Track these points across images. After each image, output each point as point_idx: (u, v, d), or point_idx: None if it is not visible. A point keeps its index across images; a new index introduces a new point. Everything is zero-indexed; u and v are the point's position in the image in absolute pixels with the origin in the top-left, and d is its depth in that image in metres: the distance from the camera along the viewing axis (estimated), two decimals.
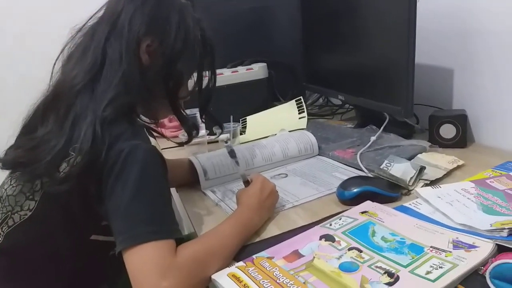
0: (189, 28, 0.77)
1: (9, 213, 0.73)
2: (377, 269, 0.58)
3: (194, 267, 0.62)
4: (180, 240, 0.65)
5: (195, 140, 1.25)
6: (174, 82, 0.78)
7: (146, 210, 0.64)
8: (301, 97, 1.35)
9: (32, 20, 1.73)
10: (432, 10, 1.04)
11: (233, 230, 0.70)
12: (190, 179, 1.00)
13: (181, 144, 1.31)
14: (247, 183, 0.84)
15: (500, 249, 0.59)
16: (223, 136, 1.25)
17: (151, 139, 0.77)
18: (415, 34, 0.93)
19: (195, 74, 0.84)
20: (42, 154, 0.66)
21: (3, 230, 0.73)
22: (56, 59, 0.78)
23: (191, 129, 0.89)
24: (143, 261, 0.61)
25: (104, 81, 0.70)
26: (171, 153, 1.04)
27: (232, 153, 0.86)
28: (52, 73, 0.78)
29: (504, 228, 0.60)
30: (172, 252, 0.62)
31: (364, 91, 1.13)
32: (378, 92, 1.08)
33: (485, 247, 0.59)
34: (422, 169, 0.84)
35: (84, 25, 0.79)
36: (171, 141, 1.13)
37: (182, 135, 1.24)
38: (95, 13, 0.79)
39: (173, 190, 1.05)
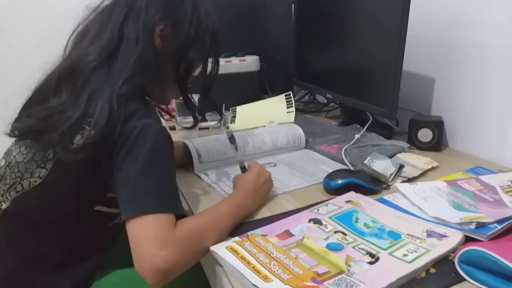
0: (200, 17, 0.82)
1: (18, 179, 0.76)
2: (360, 250, 0.65)
3: (191, 240, 0.68)
4: (183, 216, 0.70)
5: (185, 125, 1.31)
6: (184, 67, 0.83)
7: (153, 185, 0.69)
8: (290, 92, 1.41)
9: None
10: (419, 20, 1.12)
11: (229, 210, 0.76)
12: (184, 162, 1.04)
13: (172, 128, 1.36)
14: (244, 169, 0.90)
15: (468, 240, 0.67)
16: (213, 123, 1.31)
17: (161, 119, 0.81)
18: (405, 41, 1.00)
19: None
20: (57, 124, 0.70)
21: (10, 195, 0.76)
22: (71, 36, 0.81)
23: (197, 113, 0.94)
24: (145, 230, 0.66)
25: (121, 59, 0.74)
26: None
27: (232, 139, 0.91)
28: (66, 47, 0.81)
29: (472, 222, 0.68)
30: (172, 225, 0.67)
31: (352, 91, 1.21)
32: (365, 93, 1.16)
33: (455, 237, 0.67)
34: (401, 167, 0.92)
35: (99, 4, 0.82)
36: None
37: (175, 119, 1.29)
38: None
39: None
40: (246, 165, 0.90)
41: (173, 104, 1.53)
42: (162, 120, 0.90)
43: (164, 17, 0.79)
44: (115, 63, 0.74)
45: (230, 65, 1.43)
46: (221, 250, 0.66)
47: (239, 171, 0.92)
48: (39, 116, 0.73)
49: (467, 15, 1.06)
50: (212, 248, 0.67)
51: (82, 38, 0.80)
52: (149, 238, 0.65)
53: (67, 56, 0.80)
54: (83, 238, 0.79)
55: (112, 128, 0.69)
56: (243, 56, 1.48)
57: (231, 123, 1.33)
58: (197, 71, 0.89)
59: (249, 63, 1.45)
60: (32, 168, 0.75)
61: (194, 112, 0.95)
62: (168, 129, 0.80)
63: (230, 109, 1.40)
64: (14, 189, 0.76)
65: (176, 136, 1.25)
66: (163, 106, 0.95)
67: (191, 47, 0.81)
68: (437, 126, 1.09)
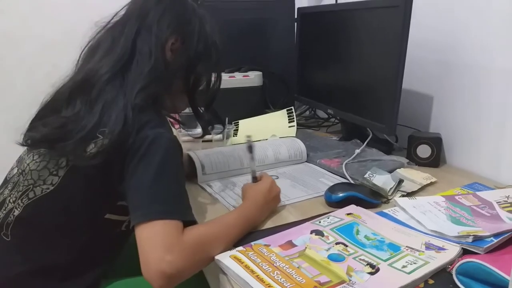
0: (207, 33, 0.86)
1: (31, 186, 0.78)
2: (361, 261, 0.67)
3: (197, 247, 0.70)
4: (193, 223, 0.73)
5: (189, 138, 1.34)
6: (193, 79, 0.86)
7: (164, 192, 0.71)
8: (292, 107, 1.44)
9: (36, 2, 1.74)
10: (417, 42, 1.15)
11: (237, 220, 0.78)
12: (188, 173, 1.06)
13: None
14: (255, 179, 0.91)
15: (465, 252, 0.69)
16: (217, 136, 1.33)
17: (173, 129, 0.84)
18: (405, 60, 1.03)
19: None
20: (72, 133, 0.73)
21: (23, 201, 0.78)
22: (83, 50, 0.84)
23: (207, 125, 0.97)
24: (153, 235, 0.68)
25: (135, 71, 0.78)
26: None
27: (250, 148, 0.93)
28: (78, 60, 0.84)
29: (470, 235, 0.70)
30: (180, 231, 0.69)
31: (352, 107, 1.24)
32: (365, 109, 1.19)
33: (453, 250, 0.69)
34: (400, 181, 0.95)
35: (109, 20, 0.86)
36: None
37: (179, 131, 1.32)
38: (119, 11, 0.87)
39: None
40: (258, 175, 0.92)
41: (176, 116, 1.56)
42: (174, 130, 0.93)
43: (175, 32, 0.83)
44: (129, 75, 0.78)
45: (234, 80, 1.46)
46: (225, 259, 0.68)
47: (241, 183, 0.94)
48: (54, 125, 0.75)
49: (464, 37, 1.09)
50: (216, 257, 0.69)
51: (94, 52, 0.83)
52: (157, 243, 0.67)
53: (79, 69, 0.83)
54: (91, 246, 0.81)
55: (125, 136, 0.72)
56: (247, 71, 1.51)
57: (233, 136, 1.35)
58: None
59: (252, 78, 1.48)
60: (44, 176, 0.77)
61: (204, 122, 0.97)
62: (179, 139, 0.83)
63: (233, 122, 1.43)
64: (27, 196, 0.78)
65: None
66: (174, 115, 0.97)
67: (199, 61, 0.85)
68: (436, 142, 1.12)
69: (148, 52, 0.79)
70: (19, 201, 0.78)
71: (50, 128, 0.76)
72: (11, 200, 0.80)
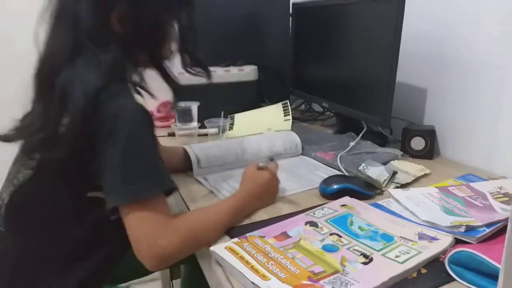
0: None
1: (15, 174, 0.80)
2: (355, 251, 0.68)
3: (189, 233, 0.72)
4: (173, 190, 0.74)
5: (185, 132, 1.34)
6: (154, 40, 0.82)
7: (136, 170, 0.70)
8: (287, 100, 1.45)
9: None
10: (412, 34, 1.16)
11: (229, 209, 0.79)
12: (183, 167, 1.07)
13: (172, 134, 1.39)
14: (267, 163, 0.90)
15: (457, 242, 0.70)
16: (212, 130, 1.33)
17: (139, 98, 0.77)
18: (399, 53, 1.04)
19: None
20: (35, 125, 0.73)
21: (9, 189, 0.81)
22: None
23: (178, 89, 0.93)
24: (139, 220, 0.69)
25: (86, 51, 0.74)
26: (162, 142, 1.11)
27: (272, 160, 0.91)
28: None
29: (462, 225, 0.71)
30: (164, 207, 0.71)
31: (347, 100, 1.24)
32: (360, 102, 1.19)
33: (445, 240, 0.70)
34: (394, 173, 0.95)
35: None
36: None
37: (174, 125, 1.32)
38: None
39: None
40: (263, 165, 0.89)
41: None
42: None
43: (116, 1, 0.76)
44: (81, 56, 0.74)
45: (229, 74, 1.46)
46: (220, 250, 0.69)
47: (237, 176, 0.94)
48: (20, 122, 0.78)
49: (457, 31, 1.10)
50: (212, 248, 0.70)
51: (46, 37, 0.79)
52: (146, 228, 0.69)
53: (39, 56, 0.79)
54: (86, 233, 0.80)
55: (87, 118, 0.69)
56: (242, 65, 1.51)
57: (229, 130, 1.36)
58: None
59: (247, 72, 1.48)
60: (26, 163, 0.79)
61: (175, 87, 0.92)
62: (147, 107, 0.76)
63: (229, 116, 1.43)
64: (12, 183, 0.80)
65: (176, 142, 1.29)
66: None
67: (151, 19, 0.79)
68: (429, 135, 1.12)
69: (94, 29, 0.74)
70: (6, 189, 0.81)
71: (17, 125, 0.77)
72: (3, 192, 0.82)
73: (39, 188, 0.79)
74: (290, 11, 1.59)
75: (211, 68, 1.44)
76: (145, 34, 0.80)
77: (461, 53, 1.10)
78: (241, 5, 1.60)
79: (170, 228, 0.70)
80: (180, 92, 0.94)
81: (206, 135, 1.32)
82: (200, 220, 0.76)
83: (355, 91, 1.22)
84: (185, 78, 1.43)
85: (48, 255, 0.78)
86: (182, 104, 1.28)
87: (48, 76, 0.74)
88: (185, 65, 0.88)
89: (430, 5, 1.18)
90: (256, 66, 1.52)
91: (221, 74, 1.46)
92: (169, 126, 1.53)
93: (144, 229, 0.69)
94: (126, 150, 0.69)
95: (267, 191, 0.87)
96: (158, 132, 1.26)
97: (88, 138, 0.70)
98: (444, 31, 1.14)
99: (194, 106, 1.26)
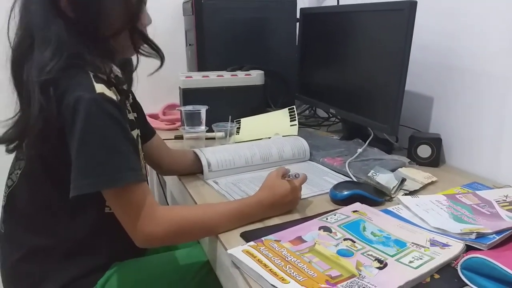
0: None
1: (9, 175, 0.85)
2: (369, 256, 0.70)
3: (173, 227, 0.77)
4: (137, 182, 0.75)
5: (193, 135, 1.35)
6: (115, 18, 0.79)
7: (86, 162, 0.71)
8: (294, 106, 1.47)
9: None
10: (419, 44, 1.18)
11: (232, 213, 0.81)
12: (194, 170, 1.09)
13: (179, 137, 1.40)
14: (287, 176, 0.90)
15: (468, 249, 0.72)
16: (220, 134, 1.35)
17: (100, 85, 0.74)
18: (408, 62, 1.06)
19: None
20: (15, 127, 0.77)
21: (5, 192, 0.85)
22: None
23: (163, 56, 0.89)
24: (121, 207, 0.75)
25: (38, 47, 0.74)
26: (169, 145, 1.13)
27: (295, 176, 0.90)
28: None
29: (473, 232, 0.73)
30: (143, 196, 0.74)
31: (355, 107, 1.26)
32: (367, 109, 1.21)
33: (457, 246, 0.72)
34: (403, 180, 0.97)
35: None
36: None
37: (182, 129, 1.33)
38: None
39: (175, 179, 1.14)
40: (292, 175, 0.89)
41: (178, 114, 1.58)
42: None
43: None
44: (34, 53, 0.74)
45: (236, 78, 1.48)
46: (238, 253, 0.70)
47: (247, 180, 0.96)
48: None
49: (463, 41, 1.12)
50: (229, 251, 0.71)
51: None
52: (127, 213, 0.74)
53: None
54: (84, 225, 0.83)
55: (48, 115, 0.71)
56: (248, 70, 1.53)
57: (236, 134, 1.37)
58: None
59: (254, 77, 1.50)
60: (16, 163, 0.84)
61: (161, 55, 0.89)
62: (116, 95, 0.77)
63: (235, 120, 1.45)
64: (7, 185, 0.84)
65: (183, 145, 1.30)
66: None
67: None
68: (436, 143, 1.15)
69: (43, 22, 0.75)
70: (4, 191, 0.85)
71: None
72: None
73: (30, 186, 0.82)
74: (297, 16, 1.61)
75: (219, 73, 1.48)
76: (94, 14, 0.77)
77: (467, 63, 1.12)
78: (248, 11, 1.62)
79: (154, 217, 0.74)
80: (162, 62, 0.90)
81: (213, 138, 1.33)
82: (191, 218, 0.79)
83: (363, 98, 1.24)
84: (192, 81, 1.46)
85: (47, 251, 0.82)
86: (191, 107, 1.29)
87: (15, 70, 0.77)
88: (135, 45, 0.84)
89: (436, 16, 1.20)
90: (263, 71, 1.54)
91: (228, 78, 1.48)
92: (176, 129, 1.55)
93: (126, 216, 0.74)
94: (80, 144, 0.70)
95: (284, 204, 0.86)
96: (164, 135, 1.29)
97: (59, 131, 0.72)
98: (450, 42, 1.16)
99: (203, 110, 1.28)
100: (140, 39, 0.84)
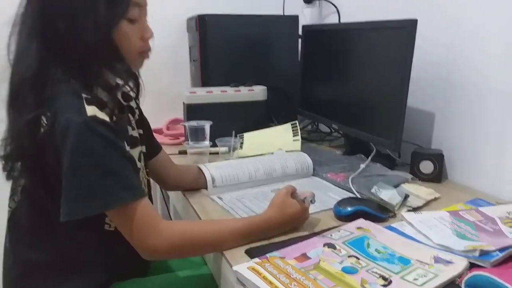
0: None
1: (13, 192, 0.86)
2: (374, 274, 0.70)
3: (179, 242, 0.78)
4: (127, 203, 0.75)
5: (197, 150, 1.36)
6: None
7: (78, 185, 0.72)
8: (297, 121, 1.48)
9: None
10: (421, 59, 1.19)
11: (238, 231, 0.81)
12: (198, 185, 1.09)
13: (183, 153, 1.41)
14: (296, 196, 0.89)
15: (472, 266, 0.72)
16: (223, 149, 1.36)
17: (91, 107, 0.74)
18: (410, 78, 1.07)
19: None
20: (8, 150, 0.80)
21: (10, 206, 0.87)
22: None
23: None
24: (124, 224, 0.76)
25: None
26: (173, 159, 1.14)
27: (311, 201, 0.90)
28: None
29: (476, 250, 0.74)
30: (146, 212, 0.76)
31: (357, 123, 1.28)
32: (370, 125, 1.23)
33: (460, 263, 0.72)
34: (406, 196, 0.98)
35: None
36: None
37: (186, 144, 1.34)
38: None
39: (179, 194, 1.15)
40: (301, 196, 0.89)
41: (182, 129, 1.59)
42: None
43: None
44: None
45: (239, 94, 1.50)
46: (244, 270, 0.70)
47: (251, 195, 0.96)
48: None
49: (465, 56, 1.14)
50: (235, 268, 0.71)
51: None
52: (130, 229, 0.75)
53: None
54: (83, 242, 0.84)
55: (33, 135, 0.74)
56: (251, 86, 1.55)
57: (239, 149, 1.38)
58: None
59: (257, 92, 1.52)
60: (19, 180, 0.85)
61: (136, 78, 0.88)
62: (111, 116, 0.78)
63: (238, 135, 1.46)
64: (13, 200, 0.85)
65: (187, 160, 1.31)
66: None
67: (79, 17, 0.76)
68: (438, 158, 1.15)
69: (25, 51, 0.77)
70: (8, 207, 0.87)
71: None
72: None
73: (29, 205, 0.84)
74: (300, 33, 1.64)
75: (223, 88, 1.50)
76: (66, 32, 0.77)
77: (469, 79, 1.13)
78: (251, 27, 1.64)
79: (158, 231, 0.75)
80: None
81: (216, 153, 1.34)
82: (197, 233, 0.80)
83: (365, 114, 1.25)
84: (196, 97, 1.47)
85: (42, 265, 0.83)
86: (195, 123, 1.30)
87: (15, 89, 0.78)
88: (116, 75, 0.84)
89: (438, 31, 1.22)
90: (265, 87, 1.55)
91: (231, 94, 1.50)
92: (179, 144, 1.56)
93: (129, 231, 0.76)
94: (69, 166, 0.71)
95: (292, 223, 0.87)
96: (168, 150, 1.30)
97: (55, 150, 0.73)
98: (453, 57, 1.18)
99: (207, 126, 1.29)
100: (112, 57, 0.81)
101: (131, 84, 0.86)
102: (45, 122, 0.74)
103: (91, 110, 0.73)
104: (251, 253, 0.78)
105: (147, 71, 0.91)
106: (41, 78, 0.75)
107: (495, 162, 1.08)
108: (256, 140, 1.46)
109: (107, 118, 0.75)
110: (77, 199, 0.72)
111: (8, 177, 0.83)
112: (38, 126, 0.74)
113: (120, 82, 0.85)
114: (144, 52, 0.87)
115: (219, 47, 1.59)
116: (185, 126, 1.35)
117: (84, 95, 0.75)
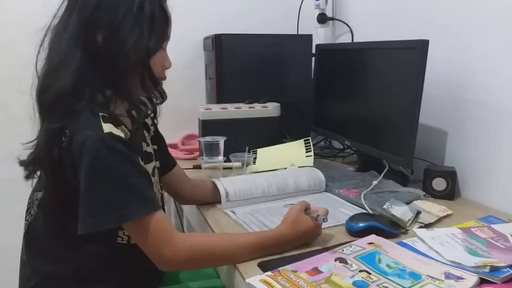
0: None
1: (31, 204, 0.89)
2: None
3: (194, 254, 0.81)
4: (145, 216, 0.77)
5: (211, 165, 1.39)
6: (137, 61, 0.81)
7: (94, 200, 0.74)
8: (309, 137, 1.50)
9: None
10: (433, 78, 1.21)
11: (251, 246, 0.83)
12: (212, 199, 1.12)
13: (197, 167, 1.44)
14: (309, 212, 0.90)
15: (482, 282, 0.73)
16: (237, 164, 1.38)
17: (108, 125, 0.77)
18: (422, 98, 1.09)
19: None
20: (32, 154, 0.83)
21: (27, 219, 0.89)
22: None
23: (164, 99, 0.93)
24: (141, 236, 0.78)
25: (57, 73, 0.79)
26: (187, 174, 1.16)
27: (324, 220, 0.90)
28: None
29: (487, 266, 0.74)
30: (161, 225, 0.78)
31: (370, 139, 1.29)
32: (383, 142, 1.24)
33: (471, 279, 0.73)
34: (418, 213, 0.99)
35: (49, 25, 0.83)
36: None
37: (201, 159, 1.37)
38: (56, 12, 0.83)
39: (193, 207, 1.17)
40: (314, 213, 0.89)
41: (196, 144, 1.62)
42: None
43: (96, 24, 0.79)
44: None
45: (253, 110, 1.53)
46: (256, 282, 0.72)
47: (264, 210, 0.98)
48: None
49: (477, 75, 1.15)
50: (247, 280, 0.73)
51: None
52: (146, 241, 0.78)
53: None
54: (97, 254, 0.86)
55: (53, 149, 0.77)
56: (265, 103, 1.58)
57: (253, 164, 1.40)
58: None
59: (271, 109, 1.55)
60: (35, 194, 0.88)
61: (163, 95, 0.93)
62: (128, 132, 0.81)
63: (252, 151, 1.49)
64: (29, 213, 0.88)
65: (201, 174, 1.34)
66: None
67: (127, 41, 0.79)
68: (451, 176, 1.16)
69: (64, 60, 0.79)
70: (25, 220, 0.89)
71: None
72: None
73: (45, 217, 0.86)
74: (313, 51, 1.67)
75: (237, 105, 1.53)
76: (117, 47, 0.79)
77: (481, 97, 1.15)
78: (266, 46, 1.68)
79: (175, 242, 0.78)
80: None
81: (230, 168, 1.37)
82: (211, 246, 0.82)
83: (378, 131, 1.27)
84: (211, 113, 1.51)
85: (60, 279, 0.85)
86: (210, 138, 1.33)
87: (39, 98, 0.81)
88: (142, 83, 0.85)
89: (450, 50, 1.23)
90: (279, 104, 1.58)
91: (245, 110, 1.53)
92: (194, 159, 1.59)
93: (145, 243, 0.78)
94: (88, 182, 0.74)
95: (304, 239, 0.88)
96: (183, 164, 1.33)
97: (73, 165, 0.75)
98: (464, 75, 1.19)
99: (221, 141, 1.32)
100: (149, 79, 0.84)
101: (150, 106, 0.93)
102: (64, 138, 0.77)
103: (107, 128, 0.76)
104: (264, 266, 0.80)
105: (164, 88, 0.95)
106: (78, 89, 0.77)
107: (508, 179, 1.08)
108: (269, 155, 1.48)
109: (122, 135, 0.78)
110: (94, 212, 0.75)
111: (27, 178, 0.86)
112: (60, 138, 0.77)
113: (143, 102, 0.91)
114: (160, 80, 0.90)
115: (234, 65, 1.63)
116: (200, 142, 1.38)
117: (101, 114, 0.78)
